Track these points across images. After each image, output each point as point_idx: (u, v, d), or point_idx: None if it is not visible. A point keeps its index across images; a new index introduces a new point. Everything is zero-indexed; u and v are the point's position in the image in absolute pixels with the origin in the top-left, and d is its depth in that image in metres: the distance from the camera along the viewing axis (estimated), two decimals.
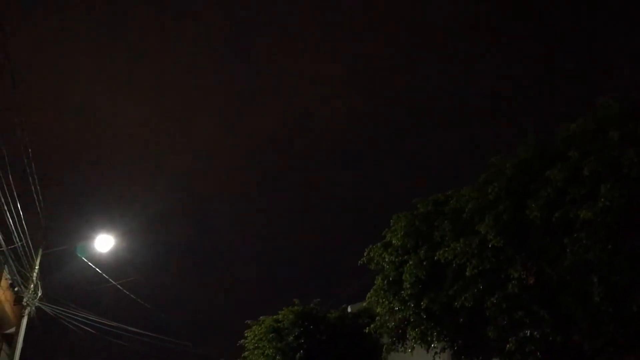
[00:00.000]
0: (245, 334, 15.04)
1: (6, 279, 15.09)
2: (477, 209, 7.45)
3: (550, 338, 6.83)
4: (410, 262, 8.47)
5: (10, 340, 16.07)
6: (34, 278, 14.47)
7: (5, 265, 13.62)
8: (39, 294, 14.85)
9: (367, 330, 10.53)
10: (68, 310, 15.98)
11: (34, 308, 14.73)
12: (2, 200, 10.87)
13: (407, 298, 8.63)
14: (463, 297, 7.47)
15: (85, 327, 17.01)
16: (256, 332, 14.64)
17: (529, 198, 6.83)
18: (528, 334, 6.98)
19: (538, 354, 7.25)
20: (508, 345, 7.21)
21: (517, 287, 6.83)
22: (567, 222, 6.41)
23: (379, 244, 9.59)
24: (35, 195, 12.89)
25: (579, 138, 6.79)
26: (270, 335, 13.97)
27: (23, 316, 14.39)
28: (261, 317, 14.94)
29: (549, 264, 6.71)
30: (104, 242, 15.62)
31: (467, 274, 7.35)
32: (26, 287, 14.27)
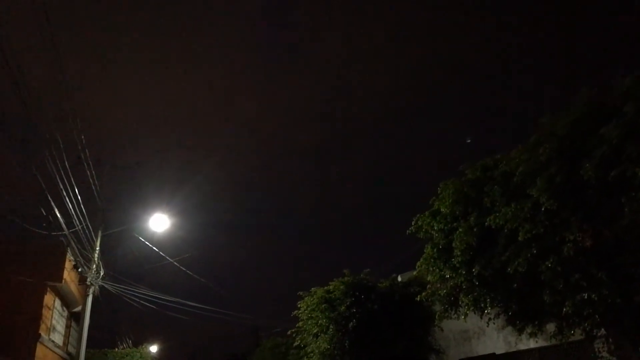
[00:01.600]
0: (298, 305, 15.37)
1: (70, 260, 15.93)
2: (528, 172, 7.23)
3: (609, 300, 6.64)
4: (460, 230, 8.38)
5: (78, 317, 17.04)
6: (96, 258, 15.21)
7: (68, 248, 14.37)
8: (102, 274, 15.63)
9: (418, 299, 10.56)
10: (129, 288, 16.79)
11: (97, 287, 15.53)
12: (61, 186, 11.42)
13: (458, 265, 8.57)
14: (516, 262, 7.33)
15: (147, 303, 17.86)
16: (308, 303, 14.94)
17: (583, 158, 6.59)
18: (585, 296, 6.78)
19: (596, 316, 7.09)
20: (564, 309, 7.05)
21: (573, 249, 6.63)
22: (624, 181, 6.16)
23: (426, 213, 9.53)
24: (90, 180, 13.47)
25: (635, 92, 6.45)
26: (323, 306, 14.22)
27: (88, 295, 15.20)
28: (312, 288, 15.21)
29: (606, 224, 6.48)
30: (159, 222, 16.24)
31: (520, 238, 7.19)
32: (89, 268, 15.03)
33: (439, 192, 9.19)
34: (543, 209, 6.88)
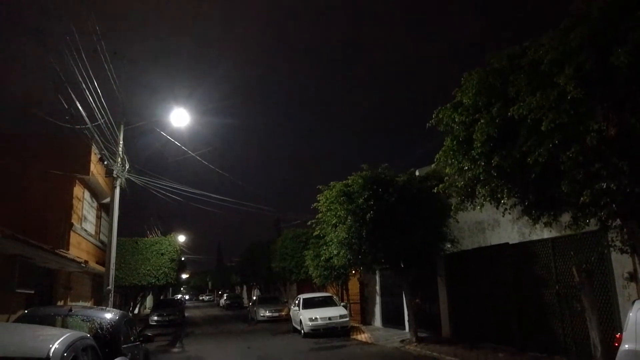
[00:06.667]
0: (318, 198, 15.82)
1: (95, 154, 16.35)
2: (557, 60, 6.93)
3: (628, 190, 6.64)
4: (482, 121, 8.24)
5: (108, 208, 17.81)
6: (120, 152, 15.56)
7: (93, 141, 14.66)
8: (127, 167, 16.07)
9: (435, 191, 10.71)
10: (155, 181, 17.33)
11: (123, 179, 16.04)
12: (80, 79, 11.39)
13: (477, 157, 8.53)
14: (537, 153, 7.27)
15: (172, 195, 18.53)
16: (327, 196, 15.36)
17: (615, 44, 6.27)
18: (604, 186, 6.78)
19: (613, 206, 7.12)
20: (582, 198, 7.06)
21: (596, 139, 6.54)
22: None
23: (448, 105, 9.35)
24: (109, 73, 13.39)
25: None
26: (341, 199, 14.60)
27: (115, 187, 15.75)
28: (332, 182, 15.54)
29: (633, 113, 6.32)
30: (180, 117, 16.34)
31: (543, 129, 7.04)
32: (114, 161, 15.42)
33: (462, 82, 8.95)
34: (569, 98, 6.69)
